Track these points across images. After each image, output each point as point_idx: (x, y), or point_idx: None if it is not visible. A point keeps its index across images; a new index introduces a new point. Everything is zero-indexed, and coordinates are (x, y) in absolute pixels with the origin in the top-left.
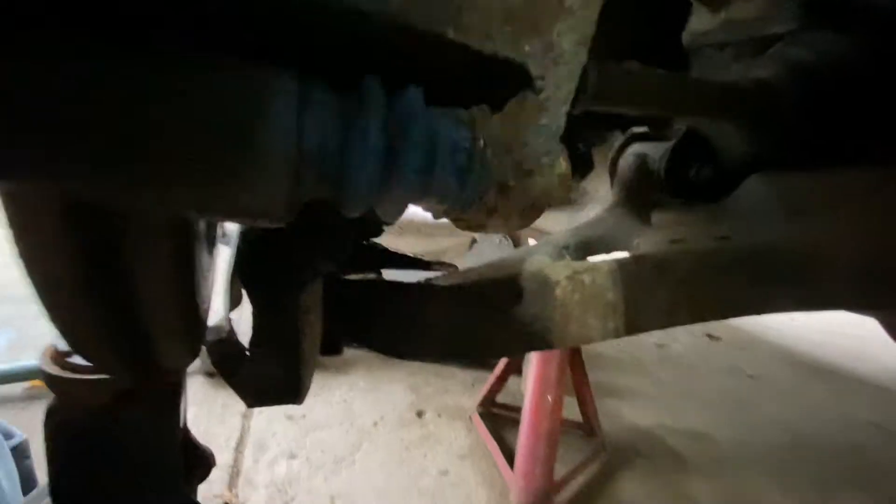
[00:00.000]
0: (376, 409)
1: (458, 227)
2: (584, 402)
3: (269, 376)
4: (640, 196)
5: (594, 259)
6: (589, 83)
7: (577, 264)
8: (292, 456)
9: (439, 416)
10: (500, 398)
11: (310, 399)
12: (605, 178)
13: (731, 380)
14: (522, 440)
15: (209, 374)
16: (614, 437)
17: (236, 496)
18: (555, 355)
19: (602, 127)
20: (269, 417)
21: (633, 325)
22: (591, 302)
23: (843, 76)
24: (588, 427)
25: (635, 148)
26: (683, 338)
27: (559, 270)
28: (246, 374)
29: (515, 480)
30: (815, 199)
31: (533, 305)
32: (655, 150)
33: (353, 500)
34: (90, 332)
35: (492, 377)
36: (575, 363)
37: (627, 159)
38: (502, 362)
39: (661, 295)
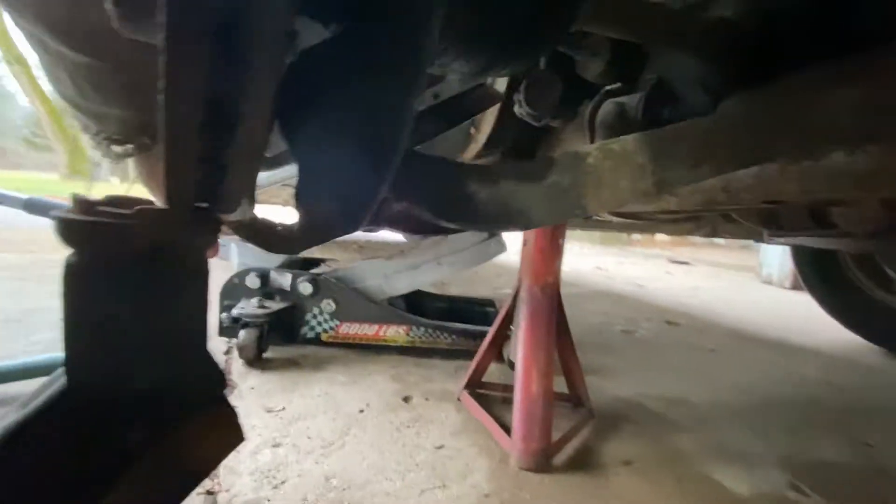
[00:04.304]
0: (361, 398)
1: None
2: (572, 372)
3: (320, 210)
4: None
5: None
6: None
7: (605, 140)
8: (276, 444)
9: (427, 399)
10: (485, 379)
11: (286, 394)
12: (576, 144)
13: (694, 354)
14: (518, 405)
15: None
16: (599, 406)
17: (219, 485)
18: (542, 320)
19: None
20: (245, 412)
21: (663, 183)
22: (622, 166)
23: (793, 9)
24: (576, 397)
25: (611, 100)
26: (646, 325)
27: (588, 147)
28: (283, 230)
29: (514, 444)
30: (793, 91)
31: (567, 175)
32: (630, 100)
33: (350, 477)
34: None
35: (474, 361)
36: (561, 332)
37: (607, 108)
38: (483, 347)
39: (685, 154)
